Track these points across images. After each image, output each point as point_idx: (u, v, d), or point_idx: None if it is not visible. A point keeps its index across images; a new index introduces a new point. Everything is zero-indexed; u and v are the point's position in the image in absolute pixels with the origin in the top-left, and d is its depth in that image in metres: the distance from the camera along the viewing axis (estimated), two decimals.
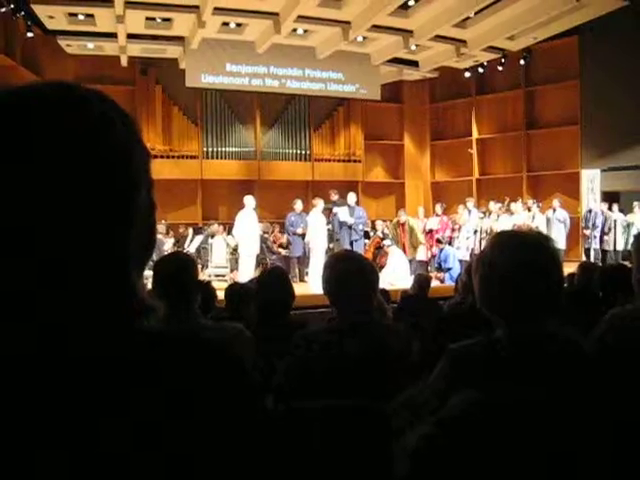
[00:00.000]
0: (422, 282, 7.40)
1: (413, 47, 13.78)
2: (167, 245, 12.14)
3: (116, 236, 0.72)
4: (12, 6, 11.48)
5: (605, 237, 13.72)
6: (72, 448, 0.64)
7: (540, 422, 1.25)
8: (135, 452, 0.66)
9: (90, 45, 13.67)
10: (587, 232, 14.05)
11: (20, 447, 0.64)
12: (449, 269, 12.24)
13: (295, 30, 13.00)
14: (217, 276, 11.88)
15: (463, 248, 13.03)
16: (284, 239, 13.13)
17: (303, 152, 16.94)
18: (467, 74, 16.12)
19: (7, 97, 0.72)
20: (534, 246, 1.51)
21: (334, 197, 12.87)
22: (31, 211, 0.67)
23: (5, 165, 0.67)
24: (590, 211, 14.26)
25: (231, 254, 12.38)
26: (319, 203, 12.15)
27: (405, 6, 11.90)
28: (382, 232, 13.84)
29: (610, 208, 14.02)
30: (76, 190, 0.68)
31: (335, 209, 12.48)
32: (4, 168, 0.67)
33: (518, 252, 1.50)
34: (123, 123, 0.75)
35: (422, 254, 13.31)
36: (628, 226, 13.60)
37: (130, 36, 12.94)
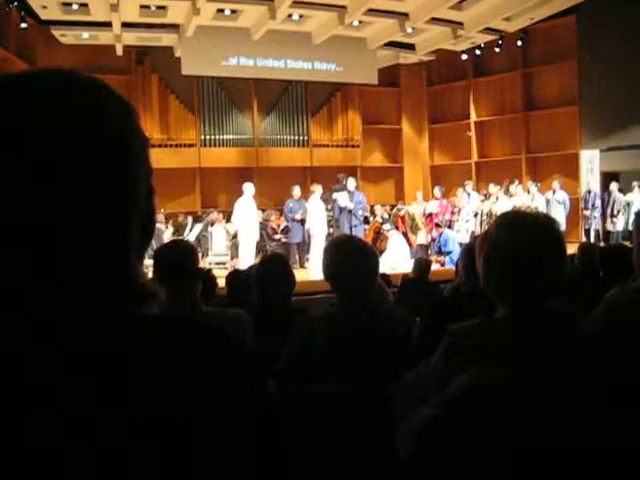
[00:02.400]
0: (422, 266, 7.41)
1: (409, 30, 13.70)
2: (166, 234, 12.14)
3: (116, 222, 0.72)
4: None
5: (614, 219, 13.66)
6: (67, 440, 0.64)
7: (540, 402, 1.26)
8: (131, 441, 0.66)
9: (85, 35, 13.58)
10: (587, 213, 14.04)
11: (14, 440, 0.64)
12: (449, 252, 12.25)
13: (290, 16, 12.93)
14: (217, 264, 11.90)
15: (463, 231, 13.04)
16: (282, 224, 13.11)
17: (301, 138, 16.89)
18: (464, 56, 16.05)
19: (5, 84, 0.72)
20: (539, 227, 1.52)
21: (342, 182, 12.77)
22: (28, 199, 0.67)
23: (2, 151, 0.67)
24: (589, 192, 14.25)
25: (231, 242, 12.39)
26: (317, 189, 12.15)
27: None
28: (381, 217, 13.84)
29: (608, 187, 14.03)
30: (75, 176, 0.68)
31: (335, 195, 12.47)
32: (1, 154, 0.67)
33: (523, 233, 1.50)
34: (122, 110, 0.75)
35: (422, 238, 13.33)
36: (628, 205, 13.59)
37: (125, 25, 12.84)
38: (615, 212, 13.63)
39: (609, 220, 13.82)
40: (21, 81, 0.72)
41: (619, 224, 13.51)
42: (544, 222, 1.54)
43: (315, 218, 11.81)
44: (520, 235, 1.49)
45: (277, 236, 12.93)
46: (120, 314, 0.71)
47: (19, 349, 0.66)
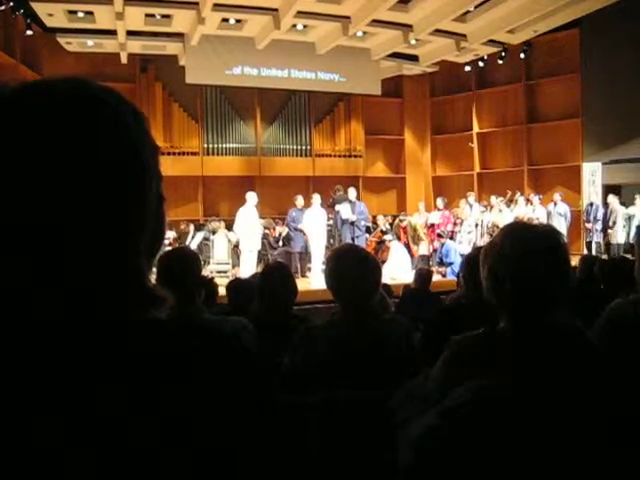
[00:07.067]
0: (424, 276, 7.41)
1: (413, 42, 13.74)
2: (168, 240, 12.13)
3: (127, 228, 0.73)
4: (11, 4, 11.46)
5: (609, 230, 13.65)
6: (74, 446, 0.65)
7: (541, 413, 1.26)
8: (163, 443, 0.67)
9: (90, 42, 13.64)
10: (588, 226, 14.03)
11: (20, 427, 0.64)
12: (451, 263, 12.24)
13: (295, 26, 12.98)
14: (219, 272, 11.89)
15: (465, 242, 13.04)
16: (284, 231, 13.09)
17: (304, 148, 16.92)
18: (467, 68, 16.07)
19: (20, 92, 0.73)
20: (544, 239, 1.52)
21: (338, 193, 12.87)
22: (42, 206, 0.68)
23: (17, 160, 0.68)
24: (591, 204, 14.24)
25: (232, 250, 12.39)
26: (316, 198, 12.19)
27: (405, 0, 11.88)
28: (383, 227, 13.85)
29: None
30: (88, 183, 0.69)
31: (337, 207, 12.49)
32: (17, 163, 0.68)
33: (529, 244, 1.50)
34: (134, 118, 0.77)
35: (424, 249, 13.33)
36: (629, 218, 13.57)
37: (130, 33, 12.93)
38: (611, 224, 13.60)
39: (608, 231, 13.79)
40: (37, 89, 0.73)
41: (619, 236, 13.48)
42: (550, 234, 1.54)
43: (314, 227, 11.82)
44: (525, 247, 1.49)
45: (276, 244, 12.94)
46: (128, 315, 0.72)
47: (43, 353, 0.67)
